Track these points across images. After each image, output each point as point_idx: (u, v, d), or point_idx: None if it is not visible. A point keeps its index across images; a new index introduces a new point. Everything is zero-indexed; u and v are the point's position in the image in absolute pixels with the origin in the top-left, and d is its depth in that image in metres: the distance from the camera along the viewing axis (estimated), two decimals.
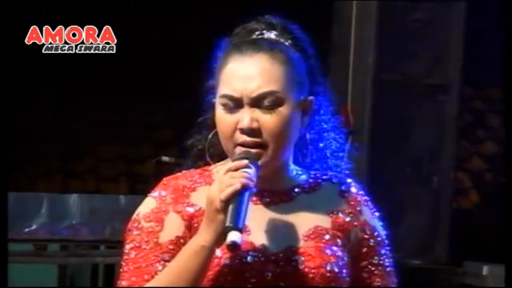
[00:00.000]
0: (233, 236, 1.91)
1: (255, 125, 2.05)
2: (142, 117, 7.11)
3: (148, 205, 2.12)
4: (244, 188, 1.96)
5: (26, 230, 6.17)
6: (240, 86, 2.07)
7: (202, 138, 2.21)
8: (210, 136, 2.17)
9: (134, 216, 2.11)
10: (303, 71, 2.13)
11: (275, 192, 2.13)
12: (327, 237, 2.09)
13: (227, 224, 1.93)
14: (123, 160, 6.83)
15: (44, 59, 7.08)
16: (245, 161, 2.00)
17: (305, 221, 2.11)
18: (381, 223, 2.19)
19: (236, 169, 1.99)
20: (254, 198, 2.07)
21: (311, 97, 2.12)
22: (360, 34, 5.44)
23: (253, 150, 2.04)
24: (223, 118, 2.09)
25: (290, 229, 2.10)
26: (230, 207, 1.94)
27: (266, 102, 2.07)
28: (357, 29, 5.42)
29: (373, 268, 2.15)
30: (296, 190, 2.14)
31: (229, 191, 1.94)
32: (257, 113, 2.06)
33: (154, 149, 6.17)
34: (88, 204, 6.32)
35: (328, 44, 5.55)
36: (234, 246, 1.91)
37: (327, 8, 5.55)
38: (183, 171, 2.19)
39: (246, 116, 2.05)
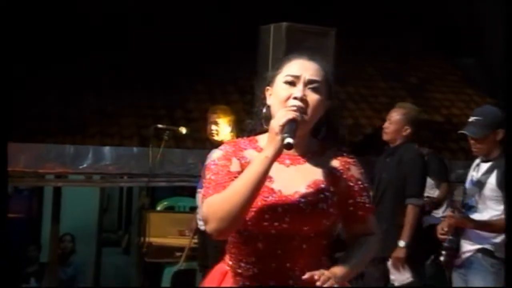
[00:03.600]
0: (289, 139, 1.84)
1: (304, 97, 1.96)
2: (148, 102, 7.03)
3: (218, 153, 2.04)
4: (293, 119, 1.89)
5: (80, 167, 6.22)
6: (302, 70, 1.99)
7: (259, 111, 2.09)
8: (264, 110, 2.06)
9: (210, 160, 2.05)
10: (329, 86, 2.04)
11: (294, 157, 2.03)
12: (322, 186, 1.98)
13: (285, 134, 1.85)
14: (135, 127, 6.69)
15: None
16: (295, 108, 1.93)
17: (310, 176, 2.00)
18: (363, 176, 2.07)
19: (290, 109, 1.92)
20: (280, 160, 1.96)
21: (329, 101, 2.03)
22: (275, 54, 5.16)
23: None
24: (283, 89, 1.99)
25: (299, 180, 1.98)
26: (286, 127, 1.86)
27: (313, 85, 1.98)
28: (273, 51, 5.18)
29: (356, 204, 2.04)
30: (309, 155, 2.03)
31: (284, 119, 1.87)
32: (307, 91, 1.97)
33: (154, 121, 6.07)
34: (116, 152, 6.33)
35: (256, 61, 5.42)
36: (289, 144, 1.84)
37: (255, 36, 5.30)
38: (238, 139, 2.11)
39: (300, 89, 1.96)
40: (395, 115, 4.86)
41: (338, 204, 1.99)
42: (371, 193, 2.11)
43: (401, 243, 4.60)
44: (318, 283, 1.84)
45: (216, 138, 5.20)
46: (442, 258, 3.98)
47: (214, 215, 1.89)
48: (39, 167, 6.17)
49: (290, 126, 1.87)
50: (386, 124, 4.90)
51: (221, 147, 2.07)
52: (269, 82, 2.06)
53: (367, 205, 2.06)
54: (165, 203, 7.27)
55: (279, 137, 1.86)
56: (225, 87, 7.59)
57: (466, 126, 3.95)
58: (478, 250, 3.86)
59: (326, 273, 1.87)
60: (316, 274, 1.85)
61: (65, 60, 7.05)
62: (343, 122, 2.15)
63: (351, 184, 2.04)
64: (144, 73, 7.29)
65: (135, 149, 6.38)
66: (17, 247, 7.35)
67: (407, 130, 4.82)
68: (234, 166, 1.99)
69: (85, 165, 6.25)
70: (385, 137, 4.90)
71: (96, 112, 6.82)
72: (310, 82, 1.99)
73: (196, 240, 5.64)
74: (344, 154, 2.08)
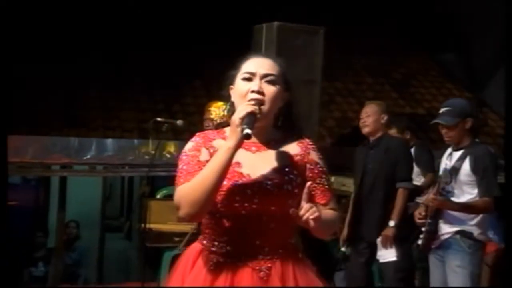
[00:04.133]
0: (247, 130, 1.91)
1: (261, 89, 2.03)
2: (148, 97, 7.06)
3: (190, 144, 2.09)
4: (252, 112, 1.96)
5: (84, 158, 6.27)
6: (257, 66, 2.07)
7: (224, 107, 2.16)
8: (228, 106, 2.13)
9: (183, 151, 2.09)
10: (285, 79, 2.11)
11: (259, 144, 2.09)
12: (286, 169, 2.05)
13: (244, 126, 1.92)
14: (136, 120, 6.75)
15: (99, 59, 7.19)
16: (253, 102, 2.00)
17: (274, 160, 2.06)
18: (322, 161, 2.13)
19: (249, 103, 1.99)
20: (246, 147, 2.04)
21: (287, 93, 2.11)
22: (267, 52, 4.98)
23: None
24: (242, 85, 2.06)
25: (265, 165, 2.04)
26: (245, 120, 1.93)
27: (269, 78, 2.04)
28: (265, 50, 5.14)
29: (316, 185, 2.09)
30: (272, 143, 2.10)
31: (243, 112, 1.94)
32: (263, 84, 2.04)
33: (153, 114, 5.94)
34: (117, 144, 6.37)
35: None
36: (247, 135, 1.91)
37: (249, 35, 5.38)
38: (208, 130, 2.17)
39: (257, 83, 2.04)
40: (369, 109, 4.98)
41: (301, 186, 2.04)
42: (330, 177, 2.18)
43: (391, 223, 4.70)
44: (307, 214, 1.90)
45: None
46: (420, 242, 4.00)
47: (185, 201, 1.96)
48: (45, 158, 6.22)
49: (249, 119, 1.95)
50: (364, 118, 4.98)
51: (192, 139, 2.13)
52: (231, 80, 2.13)
53: (326, 186, 2.13)
54: (164, 191, 7.27)
55: (239, 129, 1.93)
56: (221, 84, 7.60)
57: (438, 116, 4.03)
58: (457, 232, 3.89)
59: (314, 207, 1.94)
60: (304, 207, 1.92)
61: (69, 58, 7.09)
62: (300, 114, 2.20)
63: (311, 167, 2.11)
64: (144, 70, 7.31)
65: (135, 141, 6.41)
66: (25, 233, 7.39)
67: (385, 118, 4.94)
68: (203, 155, 2.05)
69: (88, 156, 6.28)
70: (366, 130, 4.97)
71: (98, 107, 6.84)
72: (265, 76, 2.05)
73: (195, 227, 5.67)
74: (304, 141, 2.15)
